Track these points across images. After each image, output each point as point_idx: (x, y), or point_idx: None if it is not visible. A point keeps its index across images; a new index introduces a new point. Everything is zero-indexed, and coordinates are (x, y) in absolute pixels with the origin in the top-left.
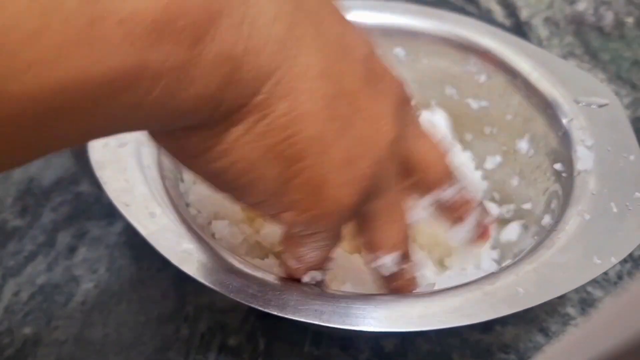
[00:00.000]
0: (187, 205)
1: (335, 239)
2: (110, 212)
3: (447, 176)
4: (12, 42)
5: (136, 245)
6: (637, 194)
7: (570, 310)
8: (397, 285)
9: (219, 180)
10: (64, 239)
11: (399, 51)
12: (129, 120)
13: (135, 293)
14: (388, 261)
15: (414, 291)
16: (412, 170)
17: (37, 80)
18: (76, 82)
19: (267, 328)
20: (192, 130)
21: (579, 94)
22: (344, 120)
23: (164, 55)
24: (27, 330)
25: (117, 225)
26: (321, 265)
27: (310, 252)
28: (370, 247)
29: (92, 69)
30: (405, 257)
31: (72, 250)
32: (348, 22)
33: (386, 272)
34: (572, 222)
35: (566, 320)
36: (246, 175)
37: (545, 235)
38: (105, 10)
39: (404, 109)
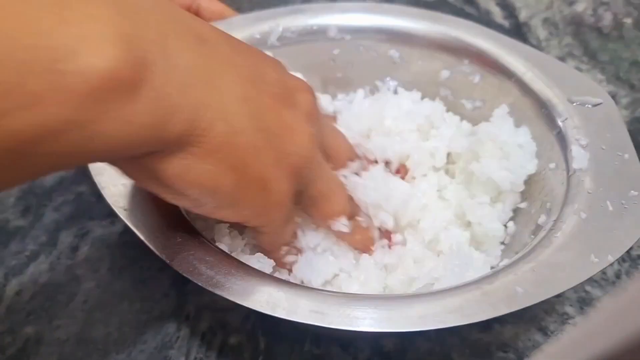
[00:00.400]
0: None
1: (291, 220)
2: (112, 212)
3: (352, 155)
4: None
5: (137, 245)
6: (632, 192)
7: (569, 309)
8: (357, 240)
9: (182, 197)
10: (65, 238)
11: (393, 53)
12: (79, 155)
13: (137, 292)
14: (343, 221)
15: (372, 248)
16: (329, 155)
17: (10, 126)
18: (50, 123)
19: (268, 327)
20: (152, 160)
21: (573, 93)
22: (269, 129)
23: (112, 101)
24: (29, 329)
25: (118, 225)
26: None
27: (278, 240)
28: (323, 218)
29: (60, 114)
30: (352, 216)
31: (74, 249)
32: (255, 50)
33: (345, 230)
34: (569, 221)
35: (565, 319)
36: (205, 187)
37: (543, 234)
38: (67, 69)
39: (314, 112)
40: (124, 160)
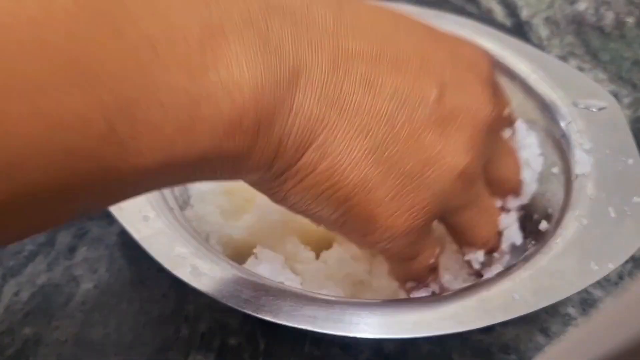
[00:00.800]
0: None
1: (422, 249)
2: (110, 212)
3: (517, 187)
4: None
5: (136, 246)
6: (635, 198)
7: (571, 310)
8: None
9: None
10: (64, 238)
11: None
12: (202, 177)
13: (136, 293)
14: (479, 257)
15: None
16: (490, 182)
17: (149, 160)
18: (176, 161)
19: (267, 328)
20: (257, 183)
21: (578, 96)
22: (391, 162)
23: (234, 143)
24: (28, 330)
25: (117, 225)
26: (428, 274)
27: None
28: (464, 244)
29: (190, 150)
30: (493, 250)
31: (72, 250)
32: (428, 45)
33: (477, 266)
34: (570, 227)
35: (567, 320)
36: (307, 213)
37: (542, 240)
38: (202, 114)
39: (483, 136)
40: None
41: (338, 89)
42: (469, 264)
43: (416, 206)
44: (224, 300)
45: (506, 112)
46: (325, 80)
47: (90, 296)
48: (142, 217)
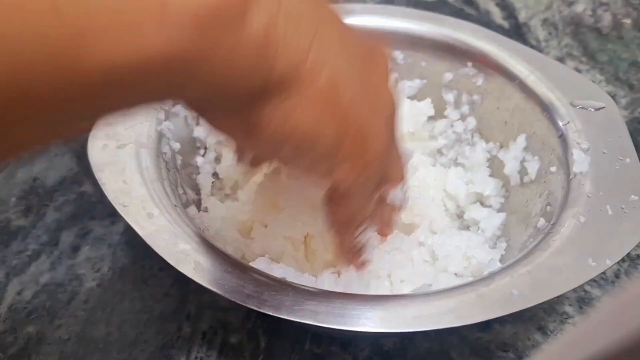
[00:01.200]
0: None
1: (374, 192)
2: (113, 212)
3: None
4: (99, 22)
5: (138, 245)
6: (632, 196)
7: (568, 309)
8: (384, 219)
9: (282, 147)
10: (67, 238)
11: (397, 54)
12: (178, 91)
13: (138, 292)
14: (399, 193)
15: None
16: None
17: (122, 53)
18: (153, 54)
19: (268, 326)
20: (258, 105)
21: (575, 96)
22: (365, 82)
23: (217, 36)
24: (31, 328)
25: (119, 224)
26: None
27: (360, 211)
28: (390, 182)
29: (163, 45)
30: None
31: (75, 249)
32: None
33: (397, 202)
34: (568, 224)
35: (564, 318)
36: (307, 134)
37: (541, 237)
38: (173, 1)
39: (389, 76)
40: (221, 112)
41: (317, 3)
42: (391, 206)
43: (387, 123)
44: (227, 296)
45: None
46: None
47: (93, 295)
48: (146, 214)
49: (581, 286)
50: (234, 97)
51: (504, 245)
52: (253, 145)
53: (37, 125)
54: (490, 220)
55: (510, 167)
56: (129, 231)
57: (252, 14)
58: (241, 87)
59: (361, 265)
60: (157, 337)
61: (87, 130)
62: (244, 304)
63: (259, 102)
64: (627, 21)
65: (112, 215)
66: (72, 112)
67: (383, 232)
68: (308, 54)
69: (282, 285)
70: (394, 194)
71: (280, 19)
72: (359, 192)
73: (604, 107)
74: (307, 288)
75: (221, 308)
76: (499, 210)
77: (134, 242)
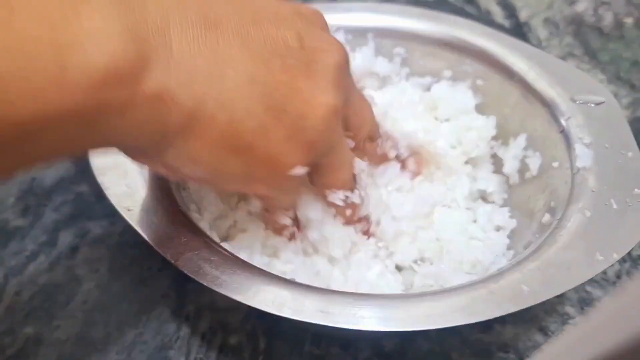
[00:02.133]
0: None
1: (298, 189)
2: (111, 212)
3: (373, 132)
4: (5, 79)
5: (137, 245)
6: (636, 190)
7: (569, 309)
8: (349, 215)
9: (197, 179)
10: (65, 238)
11: (396, 52)
12: (78, 145)
13: (136, 292)
14: (340, 195)
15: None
16: (349, 126)
17: (25, 111)
18: (52, 113)
19: (268, 327)
20: (164, 149)
21: (576, 92)
22: (280, 107)
23: (115, 92)
24: (29, 329)
25: (118, 225)
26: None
27: (283, 210)
28: (326, 187)
29: (63, 104)
30: (352, 191)
31: (73, 250)
32: (280, 11)
33: (340, 203)
34: (574, 219)
35: (565, 319)
36: (215, 172)
37: (547, 233)
38: (71, 63)
39: (343, 76)
40: (138, 155)
41: (214, 42)
42: (332, 204)
43: (306, 145)
44: (234, 297)
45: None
46: (199, 35)
47: (91, 296)
48: (149, 218)
49: (582, 286)
50: (137, 145)
51: (507, 241)
52: (165, 174)
53: None
54: (495, 216)
55: (509, 167)
56: (128, 232)
57: (145, 73)
58: (140, 136)
59: (366, 231)
60: (156, 338)
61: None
62: (250, 305)
63: (163, 146)
64: (629, 20)
65: (111, 215)
66: None
67: (366, 232)
68: (205, 101)
69: (290, 285)
70: (333, 197)
71: (172, 74)
72: (280, 202)
73: (604, 102)
74: (315, 287)
75: (220, 309)
76: (502, 206)
77: (132, 242)
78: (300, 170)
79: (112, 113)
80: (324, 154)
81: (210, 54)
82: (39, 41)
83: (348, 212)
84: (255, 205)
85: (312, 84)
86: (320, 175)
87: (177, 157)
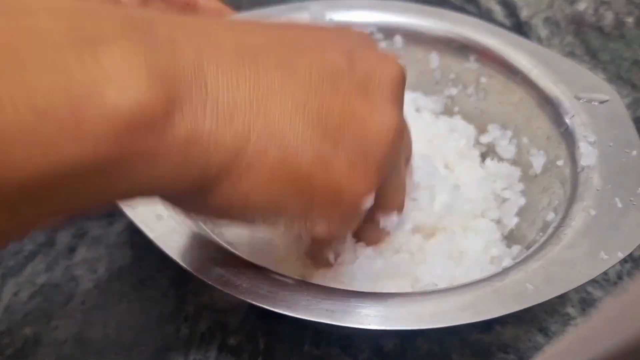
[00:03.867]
0: None
1: (359, 221)
2: (111, 212)
3: (410, 155)
4: (8, 139)
5: (136, 245)
6: None
7: (570, 310)
8: (371, 236)
9: (248, 220)
10: (63, 238)
11: (397, 49)
12: (119, 191)
13: (135, 293)
14: (394, 219)
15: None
16: None
17: (35, 168)
18: (68, 166)
19: (267, 328)
20: (208, 194)
21: (580, 90)
22: (337, 132)
23: (138, 141)
24: (27, 330)
25: (117, 225)
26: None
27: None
28: (382, 211)
29: (79, 157)
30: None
31: (72, 250)
32: (322, 34)
33: (393, 228)
34: (578, 218)
35: (566, 320)
36: (269, 211)
37: (551, 231)
38: (89, 110)
39: (400, 92)
40: (174, 202)
41: (254, 74)
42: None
43: (370, 170)
44: (242, 297)
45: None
46: (237, 69)
47: (90, 296)
48: (155, 215)
49: (583, 287)
50: (176, 192)
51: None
52: (215, 221)
53: None
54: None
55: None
56: (127, 232)
57: (174, 116)
58: (177, 183)
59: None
60: (155, 338)
61: (23, 237)
62: (260, 305)
63: (207, 190)
64: (630, 20)
65: (110, 215)
66: None
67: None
68: (249, 137)
69: (297, 285)
70: (386, 221)
71: (208, 113)
72: (339, 235)
73: (608, 100)
74: (323, 287)
75: (220, 309)
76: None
77: (131, 243)
78: (371, 200)
79: (141, 161)
80: (388, 177)
81: (250, 87)
82: (51, 91)
83: (374, 234)
84: None
85: (368, 104)
86: (377, 199)
87: (224, 200)
